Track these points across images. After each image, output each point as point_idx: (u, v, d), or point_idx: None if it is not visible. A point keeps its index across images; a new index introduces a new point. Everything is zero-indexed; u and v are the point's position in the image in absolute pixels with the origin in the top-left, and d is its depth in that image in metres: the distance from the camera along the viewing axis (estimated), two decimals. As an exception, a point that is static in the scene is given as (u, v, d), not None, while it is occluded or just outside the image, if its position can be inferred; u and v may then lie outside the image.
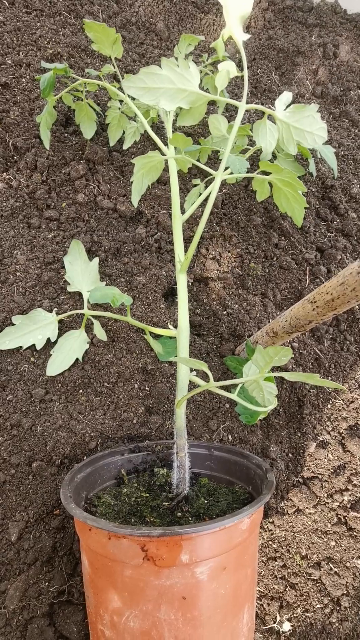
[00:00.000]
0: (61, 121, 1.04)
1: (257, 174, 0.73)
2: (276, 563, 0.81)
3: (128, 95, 0.85)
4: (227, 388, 0.88)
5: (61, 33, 1.19)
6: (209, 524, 0.48)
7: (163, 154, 0.73)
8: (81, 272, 0.88)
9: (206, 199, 0.70)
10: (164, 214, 0.99)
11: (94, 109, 0.99)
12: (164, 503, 0.64)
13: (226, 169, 0.71)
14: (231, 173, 0.73)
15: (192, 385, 0.71)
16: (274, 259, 1.00)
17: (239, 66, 1.14)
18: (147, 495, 0.68)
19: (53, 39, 1.15)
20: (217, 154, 1.09)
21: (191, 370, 0.70)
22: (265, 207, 1.04)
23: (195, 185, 0.96)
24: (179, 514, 0.61)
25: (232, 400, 0.87)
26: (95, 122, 1.00)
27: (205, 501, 0.65)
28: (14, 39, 1.12)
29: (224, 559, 0.50)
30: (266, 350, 0.50)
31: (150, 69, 0.60)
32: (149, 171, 0.73)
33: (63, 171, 0.97)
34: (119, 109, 0.96)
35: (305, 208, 1.05)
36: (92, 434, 0.79)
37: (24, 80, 1.05)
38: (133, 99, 0.92)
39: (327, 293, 0.53)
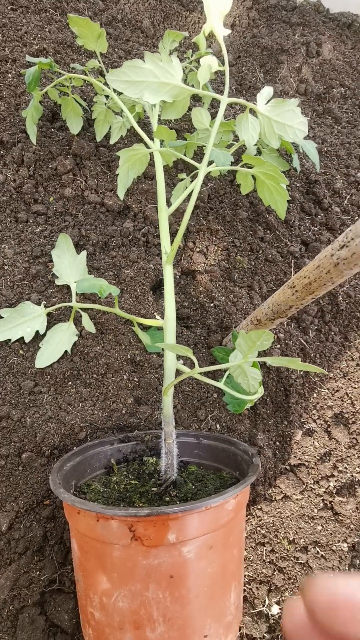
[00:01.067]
0: (47, 116, 1.05)
1: (241, 167, 0.74)
2: (264, 548, 0.82)
3: (113, 89, 0.86)
4: (214, 377, 0.90)
5: (47, 29, 1.19)
6: (195, 504, 0.49)
7: (148, 147, 0.74)
8: (69, 265, 0.89)
9: (192, 193, 0.71)
10: (151, 208, 1.00)
11: (80, 104, 1.00)
12: (153, 489, 0.65)
13: (210, 163, 0.73)
14: (215, 166, 0.74)
15: (179, 374, 0.72)
16: (260, 252, 1.01)
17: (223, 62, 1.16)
18: (136, 482, 0.69)
19: (39, 35, 1.16)
20: (203, 149, 1.11)
21: (178, 359, 0.71)
22: (251, 201, 1.05)
23: (182, 180, 0.97)
24: (167, 498, 0.62)
25: (220, 390, 0.88)
26: (82, 117, 1.01)
27: (193, 486, 0.66)
28: (0, 35, 1.13)
29: (210, 539, 0.52)
30: (248, 334, 0.52)
31: (134, 62, 0.61)
32: (135, 164, 0.75)
33: (50, 166, 0.98)
34: (105, 104, 0.97)
35: (288, 201, 1.07)
36: (81, 425, 0.80)
37: (9, 75, 1.06)
38: (119, 93, 0.93)
39: (304, 277, 0.54)
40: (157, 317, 0.76)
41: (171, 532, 0.49)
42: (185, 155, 1.03)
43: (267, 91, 0.68)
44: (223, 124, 0.96)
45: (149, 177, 1.04)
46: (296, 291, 0.56)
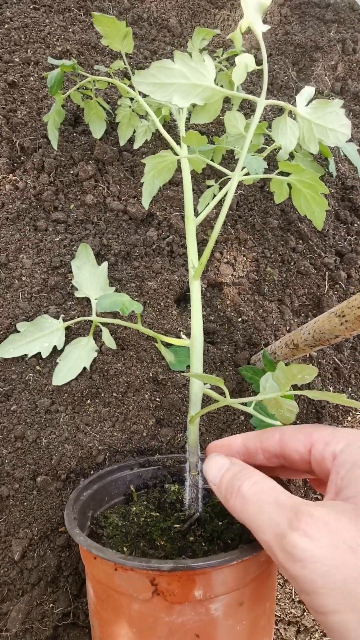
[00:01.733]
0: (70, 120, 1.01)
1: (276, 174, 0.69)
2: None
3: (139, 92, 0.81)
4: (239, 395, 0.84)
5: (70, 30, 1.16)
6: (225, 557, 0.44)
7: (175, 154, 0.69)
8: (89, 276, 0.85)
9: (221, 201, 0.66)
10: (176, 216, 0.95)
11: (103, 107, 0.96)
12: (175, 525, 0.60)
13: (243, 168, 0.67)
14: (247, 174, 0.69)
15: (205, 399, 0.67)
16: (292, 264, 0.95)
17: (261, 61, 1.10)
18: (158, 514, 0.64)
19: (62, 36, 1.12)
20: (232, 154, 1.05)
21: (205, 382, 0.66)
22: (282, 209, 0.99)
23: (210, 187, 0.92)
24: (191, 538, 0.57)
25: (247, 412, 0.83)
26: (105, 121, 0.97)
27: (220, 523, 0.60)
28: (22, 35, 1.10)
29: (240, 594, 0.46)
30: (289, 367, 0.46)
31: (162, 62, 0.56)
32: (161, 172, 0.70)
33: (71, 172, 0.94)
34: (130, 107, 0.93)
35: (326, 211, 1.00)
36: (99, 447, 0.76)
37: (32, 78, 1.02)
38: (144, 96, 0.88)
39: (358, 307, 0.48)
40: (183, 336, 0.71)
41: (198, 588, 0.44)
42: (212, 160, 0.97)
43: (307, 92, 0.62)
44: (257, 126, 0.90)
45: (174, 183, 0.99)
46: (346, 321, 0.50)
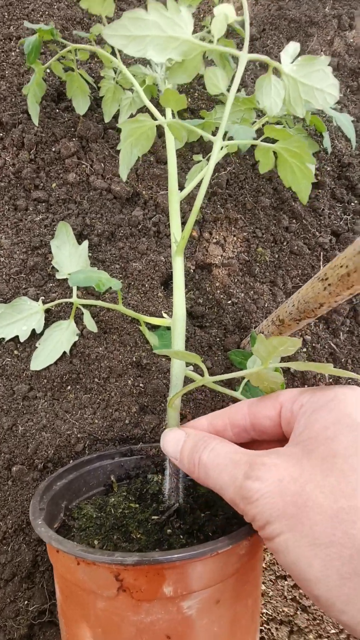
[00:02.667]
0: (52, 96, 0.96)
1: (262, 141, 0.64)
2: (286, 582, 0.72)
3: (118, 51, 0.77)
4: (231, 385, 0.79)
5: (55, 7, 1.11)
6: (197, 550, 0.39)
7: (155, 119, 0.64)
8: (69, 256, 0.80)
9: (206, 172, 0.61)
10: (163, 195, 0.91)
11: (87, 81, 0.91)
12: (153, 517, 0.55)
13: (225, 133, 0.63)
14: (233, 142, 0.64)
15: (188, 382, 0.62)
16: (284, 244, 0.90)
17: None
18: (137, 506, 0.60)
19: (47, 12, 1.08)
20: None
21: (188, 364, 0.61)
22: (275, 187, 0.94)
23: (198, 162, 0.87)
24: (169, 530, 0.52)
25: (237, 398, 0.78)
26: (89, 96, 0.92)
27: (202, 515, 0.56)
28: (5, 13, 1.05)
29: (217, 590, 0.42)
30: (269, 340, 0.41)
31: (134, 13, 0.52)
32: (139, 139, 0.65)
33: (53, 149, 0.90)
34: (114, 79, 0.88)
35: (316, 187, 0.95)
36: (79, 435, 0.71)
37: (13, 54, 0.98)
38: (127, 65, 0.83)
39: (340, 266, 0.44)
40: (165, 315, 0.66)
41: (167, 584, 0.39)
42: (201, 138, 0.92)
43: (292, 48, 0.58)
44: (245, 100, 0.85)
45: (161, 162, 0.94)
46: (329, 285, 0.45)
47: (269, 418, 0.47)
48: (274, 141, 0.63)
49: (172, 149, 0.67)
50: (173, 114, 0.76)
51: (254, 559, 0.47)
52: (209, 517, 0.55)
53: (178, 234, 0.65)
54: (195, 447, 0.45)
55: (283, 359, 0.82)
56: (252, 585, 0.47)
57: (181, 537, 0.51)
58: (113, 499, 0.62)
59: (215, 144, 0.57)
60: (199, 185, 0.90)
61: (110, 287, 0.63)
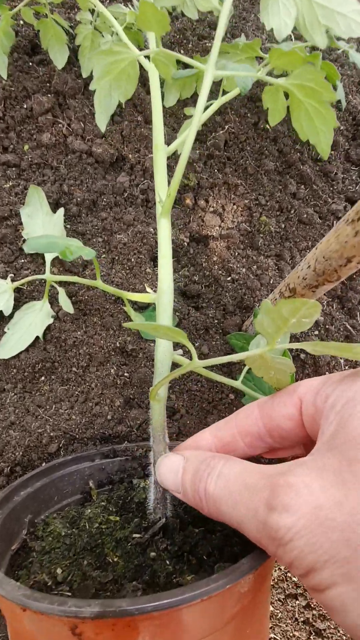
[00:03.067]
0: (25, 48, 0.85)
1: (268, 75, 0.52)
2: (297, 602, 0.61)
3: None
4: (232, 374, 0.69)
5: None
6: (182, 595, 0.29)
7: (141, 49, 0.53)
8: (42, 227, 0.69)
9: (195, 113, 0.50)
10: (152, 159, 0.79)
11: (63, 27, 0.80)
12: (135, 535, 0.45)
13: (217, 62, 0.52)
14: (227, 76, 0.53)
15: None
16: (292, 212, 0.79)
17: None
18: (117, 519, 0.49)
19: None
20: (220, 85, 0.88)
21: (176, 347, 0.51)
22: (280, 149, 0.83)
23: (190, 117, 0.76)
24: (153, 553, 0.42)
25: (238, 389, 0.67)
26: (67, 45, 0.81)
27: (195, 531, 0.45)
28: None
29: (211, 642, 0.31)
30: (277, 307, 0.30)
31: None
32: (119, 79, 0.54)
33: (24, 106, 0.78)
34: (91, 22, 0.76)
35: (335, 129, 0.84)
36: (52, 434, 0.61)
37: (-19, 0, 0.86)
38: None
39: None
40: (149, 289, 0.55)
41: (142, 638, 0.29)
42: (195, 93, 0.81)
43: None
44: (245, 46, 0.73)
45: (151, 122, 0.83)
46: (360, 230, 0.34)
47: (287, 418, 0.37)
48: (282, 78, 0.52)
49: (156, 91, 0.55)
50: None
51: (260, 591, 0.36)
52: (204, 535, 0.45)
53: (163, 193, 0.54)
54: (197, 475, 0.35)
55: (293, 340, 0.71)
56: (258, 627, 0.37)
57: (167, 562, 0.41)
58: (90, 510, 0.51)
59: (206, 73, 0.46)
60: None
61: (82, 257, 0.52)
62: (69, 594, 0.37)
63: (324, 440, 0.31)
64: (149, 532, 0.44)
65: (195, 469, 0.35)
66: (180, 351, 0.50)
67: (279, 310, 0.29)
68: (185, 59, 0.48)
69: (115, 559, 0.43)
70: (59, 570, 0.40)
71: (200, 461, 0.36)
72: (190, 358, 0.39)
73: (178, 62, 0.92)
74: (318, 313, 0.28)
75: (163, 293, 0.49)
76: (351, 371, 0.34)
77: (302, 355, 0.70)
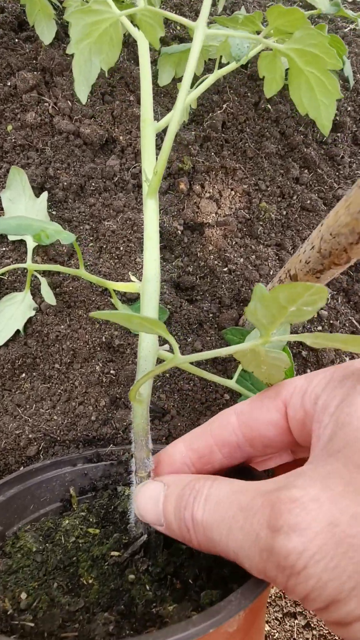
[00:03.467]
0: (12, 25, 0.79)
1: (265, 38, 0.47)
2: (296, 621, 0.56)
3: None
4: (226, 372, 0.64)
5: None
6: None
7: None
8: (25, 212, 0.64)
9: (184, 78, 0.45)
10: (144, 141, 0.74)
11: (50, 1, 0.74)
12: (113, 553, 0.40)
13: (209, 21, 0.46)
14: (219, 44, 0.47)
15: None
16: (294, 198, 0.74)
17: None
18: (97, 531, 0.45)
19: None
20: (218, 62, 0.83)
21: (162, 343, 0.45)
22: (282, 130, 0.77)
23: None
24: (132, 575, 0.37)
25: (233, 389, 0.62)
26: (55, 20, 0.75)
27: (182, 548, 0.40)
28: None
29: None
30: (273, 293, 0.25)
31: None
32: (100, 42, 0.48)
33: (8, 83, 0.73)
34: (80, -8, 0.71)
35: (335, 129, 0.78)
36: (31, 436, 0.56)
37: (-36, -28, 0.81)
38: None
39: None
40: (133, 278, 0.50)
41: None
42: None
43: None
44: (246, 19, 0.67)
45: (144, 101, 0.77)
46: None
47: (271, 425, 0.33)
48: (281, 44, 0.47)
49: (145, 56, 0.50)
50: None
51: (253, 627, 0.31)
52: (190, 554, 0.40)
53: (150, 171, 0.48)
54: (181, 501, 0.30)
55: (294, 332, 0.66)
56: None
57: (147, 587, 0.36)
58: (67, 521, 0.46)
59: (196, 31, 0.41)
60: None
61: (68, 246, 0.47)
62: (32, 624, 0.32)
63: (321, 446, 0.27)
64: (128, 550, 0.39)
65: (179, 495, 0.31)
66: (167, 346, 0.45)
67: (275, 296, 0.24)
68: (174, 17, 0.43)
69: (90, 581, 0.38)
70: (23, 595, 0.35)
71: (184, 485, 0.31)
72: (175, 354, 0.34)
73: (174, 38, 0.86)
74: (324, 300, 0.23)
75: (148, 281, 0.44)
76: (335, 367, 0.30)
77: (304, 353, 0.65)
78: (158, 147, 0.66)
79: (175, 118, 0.41)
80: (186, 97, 0.39)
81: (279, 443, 0.33)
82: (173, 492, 0.32)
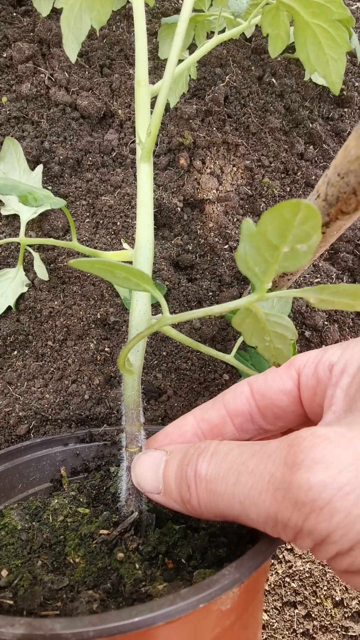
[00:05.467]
0: (11, 0, 0.77)
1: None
2: (296, 611, 0.54)
3: None
4: (223, 347, 0.61)
5: None
6: (137, 617, 0.21)
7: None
8: (18, 185, 0.62)
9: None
10: (144, 115, 0.71)
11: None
12: (102, 531, 0.38)
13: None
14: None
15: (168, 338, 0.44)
16: (298, 174, 0.71)
17: None
18: (87, 511, 0.42)
19: None
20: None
21: (155, 311, 0.43)
22: (287, 105, 0.74)
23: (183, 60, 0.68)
24: (120, 554, 0.35)
25: (233, 367, 0.60)
26: (52, -10, 0.73)
27: (175, 527, 0.38)
28: None
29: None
30: (260, 227, 0.23)
31: None
32: (94, -2, 0.46)
33: (4, 55, 0.71)
34: None
35: (341, 102, 0.75)
36: (21, 414, 0.54)
37: None
38: None
39: None
40: (126, 245, 0.48)
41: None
42: (194, 38, 0.73)
43: None
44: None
45: (144, 75, 0.75)
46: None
47: (283, 393, 0.33)
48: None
49: (140, 15, 0.47)
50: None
51: (251, 607, 0.29)
52: (184, 533, 0.37)
53: (143, 133, 0.46)
54: (184, 461, 0.29)
55: (294, 312, 0.63)
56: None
57: (137, 566, 0.34)
58: (57, 500, 0.44)
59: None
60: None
61: (62, 222, 0.44)
62: (11, 602, 0.30)
63: (339, 405, 0.26)
64: (118, 527, 0.37)
65: (182, 457, 0.30)
66: (159, 316, 0.42)
67: (263, 231, 0.22)
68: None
69: (77, 560, 0.36)
70: (4, 572, 0.33)
71: (186, 447, 0.30)
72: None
73: (177, 11, 0.84)
74: (317, 229, 0.20)
75: (140, 248, 0.42)
76: (351, 340, 0.31)
77: (307, 333, 0.62)
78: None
79: (169, 71, 0.38)
80: (181, 44, 0.36)
81: (289, 414, 0.33)
82: (175, 457, 0.31)
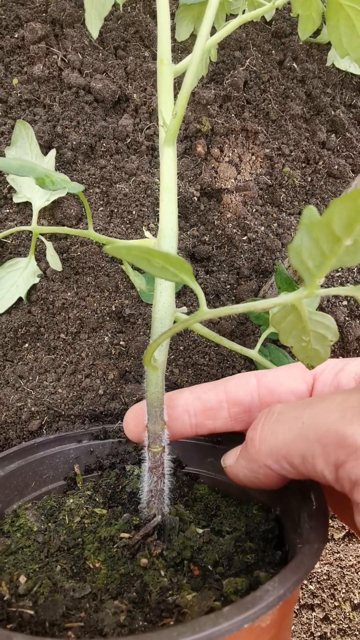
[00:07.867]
0: (20, -25, 0.74)
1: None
2: (314, 614, 0.52)
3: None
4: (242, 342, 0.59)
5: None
6: (180, 637, 0.19)
7: None
8: (30, 170, 0.59)
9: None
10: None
11: None
12: (123, 535, 0.36)
13: None
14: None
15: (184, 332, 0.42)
16: (320, 163, 0.68)
17: None
18: (104, 512, 0.41)
19: None
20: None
21: (179, 304, 0.41)
22: (309, 92, 0.72)
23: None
24: (144, 560, 0.33)
25: (252, 362, 0.58)
26: (65, -33, 0.70)
27: (199, 531, 0.36)
28: None
29: None
30: (326, 217, 0.20)
31: None
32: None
33: (15, 35, 0.68)
34: None
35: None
36: (34, 409, 0.52)
37: None
38: None
39: None
40: (148, 234, 0.46)
41: None
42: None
43: None
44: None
45: (160, 58, 0.72)
46: None
47: (293, 393, 0.33)
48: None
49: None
50: None
51: (286, 620, 0.27)
52: (209, 537, 0.36)
53: (168, 115, 0.43)
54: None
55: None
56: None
57: (162, 573, 0.32)
58: (72, 500, 0.43)
59: None
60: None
61: (76, 209, 0.42)
62: (31, 612, 0.28)
63: None
64: (140, 531, 0.35)
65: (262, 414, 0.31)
66: (184, 308, 0.40)
67: (328, 221, 0.20)
68: None
69: (97, 565, 0.34)
70: (22, 578, 0.31)
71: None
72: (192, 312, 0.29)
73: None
74: None
75: (164, 237, 0.40)
76: None
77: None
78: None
79: (200, 44, 0.36)
80: (214, 13, 0.34)
81: None
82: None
